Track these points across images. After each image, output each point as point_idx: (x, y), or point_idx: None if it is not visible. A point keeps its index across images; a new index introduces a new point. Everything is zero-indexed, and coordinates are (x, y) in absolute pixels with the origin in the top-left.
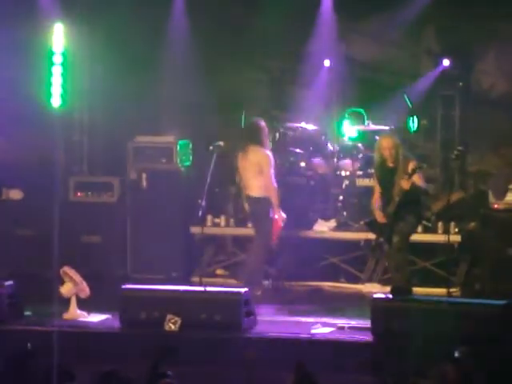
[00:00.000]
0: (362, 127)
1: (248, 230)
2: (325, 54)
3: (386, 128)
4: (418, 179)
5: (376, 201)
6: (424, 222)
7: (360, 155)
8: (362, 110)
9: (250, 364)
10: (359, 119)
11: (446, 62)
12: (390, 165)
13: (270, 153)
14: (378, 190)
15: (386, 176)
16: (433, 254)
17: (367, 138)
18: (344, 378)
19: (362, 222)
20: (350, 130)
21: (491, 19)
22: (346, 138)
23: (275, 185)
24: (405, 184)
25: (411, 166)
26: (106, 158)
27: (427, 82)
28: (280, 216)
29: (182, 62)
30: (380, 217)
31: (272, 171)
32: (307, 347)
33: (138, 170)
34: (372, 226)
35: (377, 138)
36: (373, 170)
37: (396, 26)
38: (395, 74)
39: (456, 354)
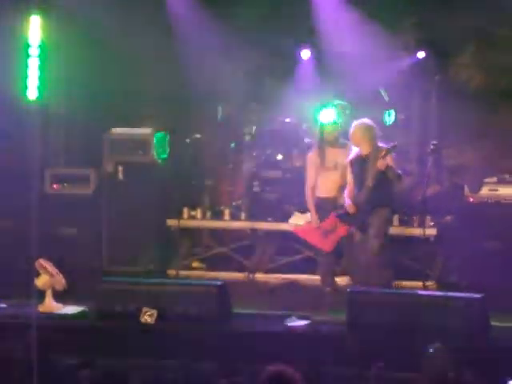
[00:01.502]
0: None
1: (224, 223)
2: (302, 46)
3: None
4: (391, 161)
5: (350, 193)
6: (399, 216)
7: None
8: (347, 104)
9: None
10: (344, 110)
11: (420, 55)
12: (364, 153)
13: (309, 153)
14: (351, 181)
15: (360, 164)
16: (409, 248)
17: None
18: (319, 370)
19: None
20: (327, 115)
21: (470, 13)
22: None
23: (306, 187)
24: (380, 164)
25: (385, 151)
26: (82, 150)
27: (402, 74)
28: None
29: (159, 53)
30: (351, 208)
31: (307, 173)
32: (283, 340)
33: (114, 162)
34: (343, 217)
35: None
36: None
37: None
38: (371, 68)
39: (430, 350)
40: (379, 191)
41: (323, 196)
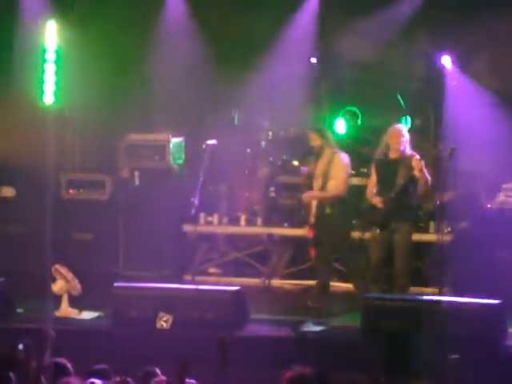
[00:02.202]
0: (355, 126)
1: (240, 229)
2: (312, 52)
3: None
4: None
5: (371, 191)
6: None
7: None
8: (356, 109)
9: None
10: (354, 118)
11: (445, 60)
12: (392, 156)
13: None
14: (373, 181)
15: (387, 166)
16: (425, 254)
17: (359, 136)
18: (334, 376)
19: (354, 222)
20: (340, 127)
21: (484, 20)
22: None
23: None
24: (417, 170)
25: (415, 161)
26: (98, 155)
27: (418, 81)
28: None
29: (175, 60)
30: (379, 202)
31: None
32: (298, 345)
33: (130, 167)
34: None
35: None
36: (373, 161)
37: (388, 26)
38: (387, 74)
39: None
40: (404, 199)
41: None
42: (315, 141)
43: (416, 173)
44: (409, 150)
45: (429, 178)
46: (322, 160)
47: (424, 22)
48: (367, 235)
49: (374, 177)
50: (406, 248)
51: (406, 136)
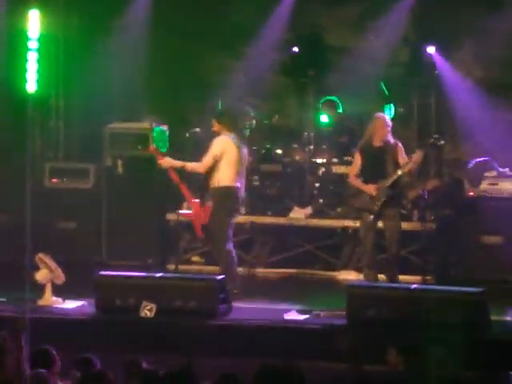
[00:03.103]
0: (335, 115)
1: None
2: (296, 40)
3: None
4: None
5: (354, 176)
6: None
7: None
8: (335, 98)
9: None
10: (333, 107)
11: (431, 50)
12: (377, 144)
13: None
14: (356, 166)
15: (374, 154)
16: (408, 242)
17: (341, 124)
18: (318, 364)
19: (338, 210)
20: (323, 117)
21: (468, 7)
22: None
23: None
24: (401, 158)
25: (399, 149)
26: (81, 144)
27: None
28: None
29: (159, 47)
30: (373, 190)
31: None
32: (282, 334)
33: (113, 156)
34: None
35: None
36: (356, 147)
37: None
38: (371, 62)
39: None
40: (396, 188)
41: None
42: (214, 126)
43: (400, 160)
44: (392, 139)
45: (412, 166)
46: None
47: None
48: (356, 223)
49: (358, 163)
50: (398, 234)
51: (390, 124)
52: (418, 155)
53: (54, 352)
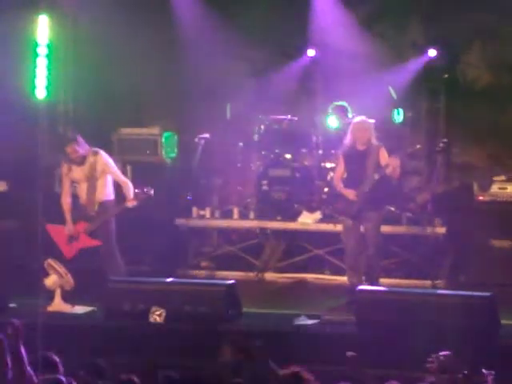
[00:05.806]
0: (346, 120)
1: (233, 223)
2: (309, 45)
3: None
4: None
5: (338, 180)
6: (408, 214)
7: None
8: (344, 103)
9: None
10: (343, 112)
11: (432, 53)
12: (360, 147)
13: None
14: (340, 170)
15: (356, 158)
16: (417, 246)
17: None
18: (329, 369)
19: (330, 207)
20: (333, 121)
21: (476, 11)
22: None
23: None
24: (384, 160)
25: (381, 152)
26: None
27: (412, 74)
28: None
29: (166, 53)
30: (352, 194)
31: None
32: (292, 339)
33: (122, 161)
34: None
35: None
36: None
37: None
38: (380, 66)
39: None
40: (379, 189)
41: None
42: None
43: (383, 162)
44: (375, 141)
45: (396, 167)
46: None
47: (416, 12)
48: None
49: (341, 167)
50: (377, 236)
51: (369, 127)
52: (392, 161)
53: (56, 357)
